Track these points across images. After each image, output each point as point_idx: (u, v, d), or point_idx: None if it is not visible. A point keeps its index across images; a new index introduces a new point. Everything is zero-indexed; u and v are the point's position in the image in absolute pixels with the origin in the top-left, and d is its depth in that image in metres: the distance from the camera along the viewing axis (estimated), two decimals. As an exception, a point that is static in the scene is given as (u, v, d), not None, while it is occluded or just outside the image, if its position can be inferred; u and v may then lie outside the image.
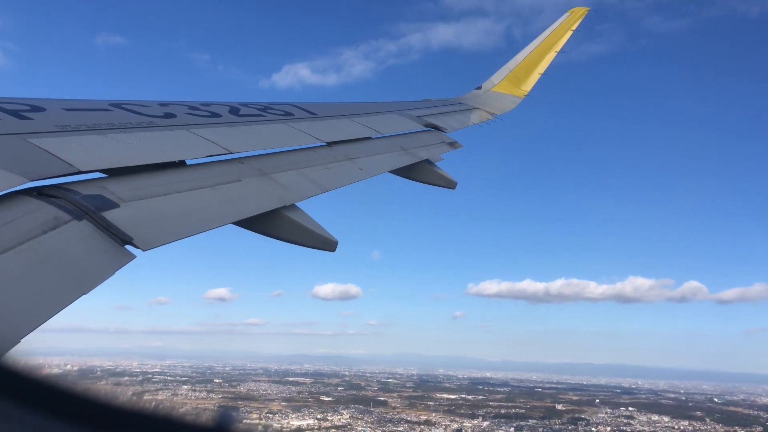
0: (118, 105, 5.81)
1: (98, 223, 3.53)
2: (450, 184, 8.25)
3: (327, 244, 5.10)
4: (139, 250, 3.54)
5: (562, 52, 14.89)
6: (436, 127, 9.74)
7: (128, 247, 3.51)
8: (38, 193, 3.56)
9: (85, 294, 3.03)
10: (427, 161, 8.18)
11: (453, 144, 9.45)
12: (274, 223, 4.90)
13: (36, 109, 4.92)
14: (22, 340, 2.60)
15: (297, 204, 5.18)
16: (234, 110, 6.86)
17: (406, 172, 7.79)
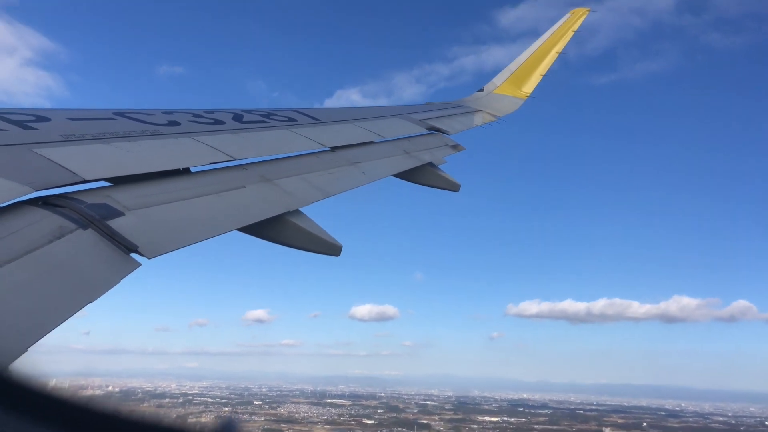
0: (122, 114, 5.85)
1: (103, 231, 3.55)
2: (453, 187, 8.26)
3: (331, 248, 5.12)
4: (145, 258, 3.56)
5: (563, 53, 14.88)
6: (438, 130, 9.75)
7: (134, 255, 3.53)
8: (44, 202, 3.58)
9: (90, 303, 3.05)
10: (431, 164, 8.19)
11: (456, 146, 9.45)
12: (278, 229, 4.92)
13: (41, 119, 4.95)
14: (28, 349, 2.62)
15: (301, 209, 5.20)
16: (237, 117, 6.89)
17: (410, 175, 7.79)
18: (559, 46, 14.92)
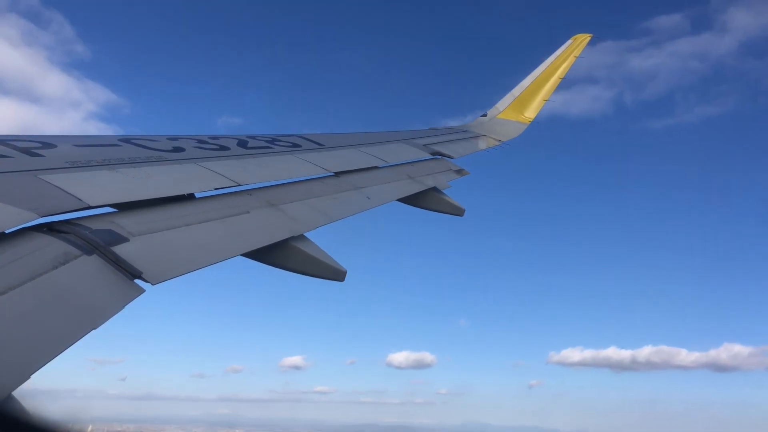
0: (127, 140, 5.88)
1: (108, 257, 3.54)
2: (458, 211, 8.25)
3: (336, 274, 5.10)
4: (149, 284, 3.55)
5: (565, 78, 14.99)
6: (442, 155, 9.77)
7: (138, 281, 3.52)
8: (49, 228, 3.59)
9: (94, 329, 3.03)
10: (435, 189, 8.20)
11: (460, 171, 9.46)
12: (282, 254, 4.90)
13: (47, 145, 4.98)
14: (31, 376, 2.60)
15: (306, 234, 5.19)
16: (242, 143, 6.92)
17: (414, 200, 7.80)
18: (562, 72, 15.04)
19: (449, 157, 9.84)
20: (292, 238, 4.99)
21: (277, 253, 4.86)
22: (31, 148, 4.78)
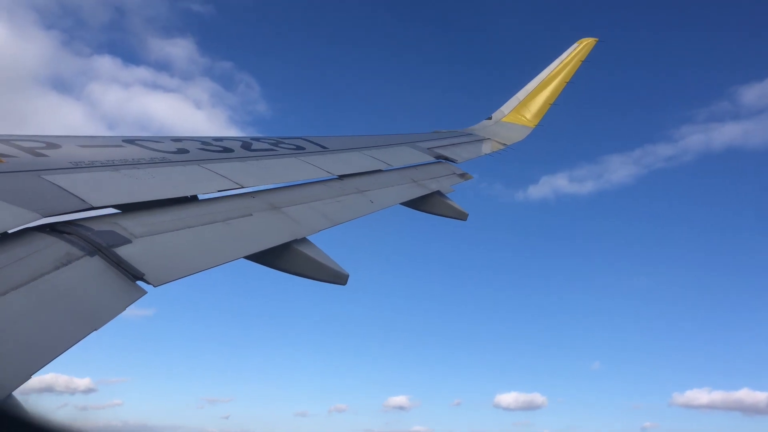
0: (131, 141, 5.89)
1: (110, 259, 3.55)
2: (461, 216, 8.24)
3: (337, 277, 5.09)
4: (150, 286, 3.55)
5: (570, 82, 14.97)
6: (446, 159, 9.77)
7: (140, 283, 3.52)
8: (51, 229, 3.60)
9: (95, 330, 3.04)
10: (438, 193, 8.19)
11: (463, 175, 9.46)
12: (285, 257, 4.90)
13: (51, 146, 4.99)
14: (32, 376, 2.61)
15: (308, 237, 5.19)
16: (246, 145, 6.93)
17: (417, 203, 7.80)
18: (567, 76, 15.02)
19: (453, 161, 9.84)
20: (295, 241, 4.99)
21: (280, 256, 4.86)
22: (36, 148, 4.80)
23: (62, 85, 48.44)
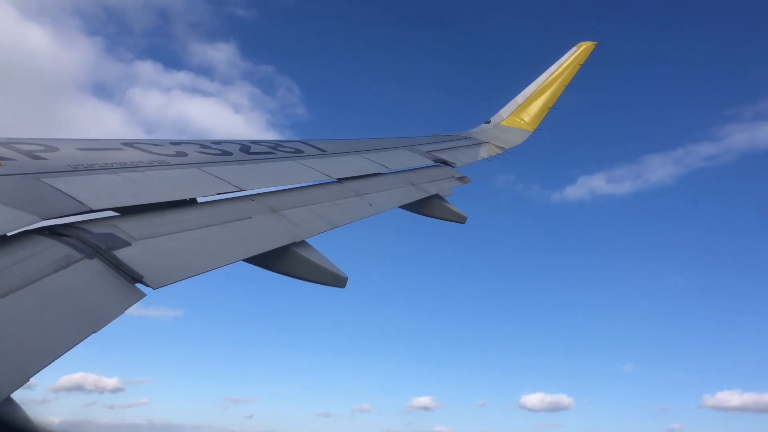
0: (130, 144, 5.90)
1: (109, 261, 3.55)
2: (460, 219, 8.25)
3: (337, 280, 5.10)
4: (150, 288, 3.55)
5: (570, 86, 15.00)
6: (445, 162, 9.79)
7: (139, 285, 3.53)
8: (50, 231, 3.60)
9: (94, 332, 3.04)
10: (437, 196, 8.21)
11: (462, 179, 9.47)
12: (284, 260, 4.91)
13: (50, 149, 5.00)
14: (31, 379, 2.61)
15: (307, 240, 5.20)
16: (245, 148, 6.94)
17: (416, 207, 7.81)
18: (566, 80, 15.05)
19: (452, 164, 9.85)
20: (294, 243, 5.00)
21: (278, 259, 4.87)
22: (34, 151, 4.80)
23: (103, 91, 48.67)
